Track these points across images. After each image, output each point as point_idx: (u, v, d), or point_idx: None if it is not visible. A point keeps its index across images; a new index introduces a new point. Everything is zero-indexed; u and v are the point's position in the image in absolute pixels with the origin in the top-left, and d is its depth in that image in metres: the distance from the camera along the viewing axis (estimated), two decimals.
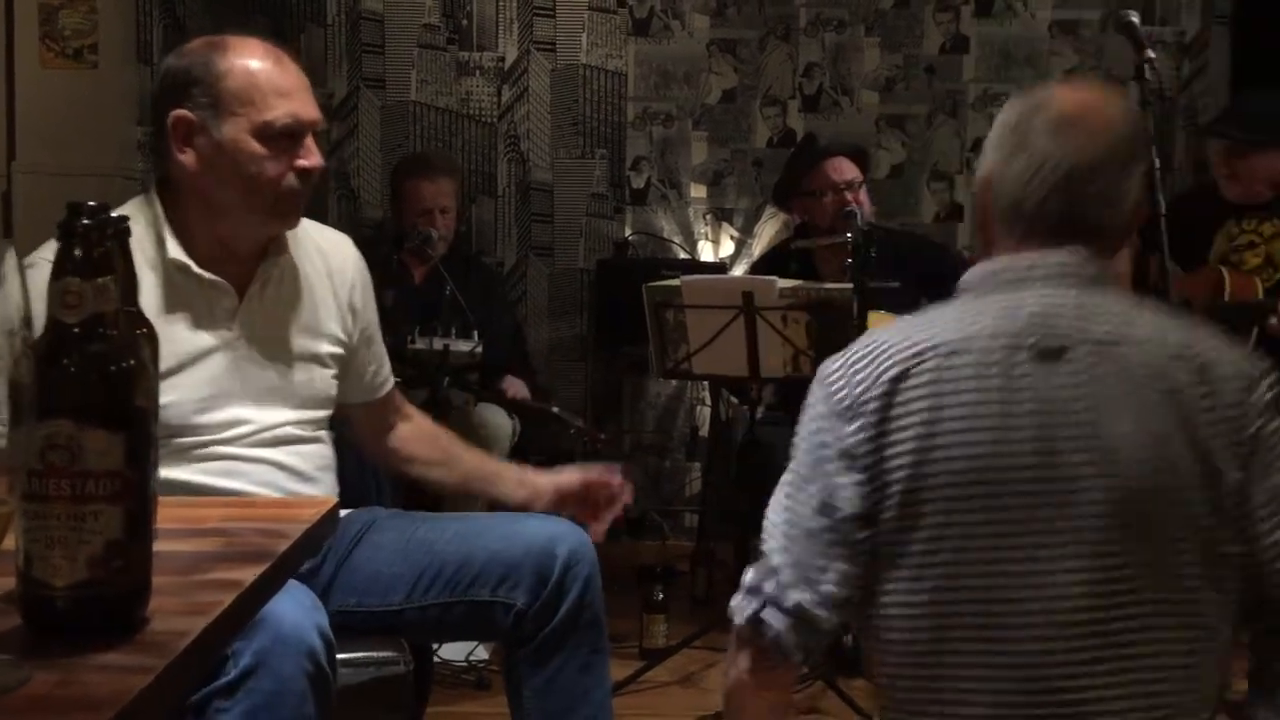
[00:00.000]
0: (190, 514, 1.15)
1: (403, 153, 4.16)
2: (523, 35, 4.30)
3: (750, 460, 3.34)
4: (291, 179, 1.72)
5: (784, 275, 3.08)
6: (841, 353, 1.33)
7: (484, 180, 4.32)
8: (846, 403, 1.27)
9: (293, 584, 1.56)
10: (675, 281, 2.93)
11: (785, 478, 1.34)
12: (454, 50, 4.29)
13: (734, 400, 3.90)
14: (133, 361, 0.81)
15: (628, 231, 4.30)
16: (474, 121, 4.31)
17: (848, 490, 1.26)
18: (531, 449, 3.57)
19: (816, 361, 2.86)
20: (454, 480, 2.12)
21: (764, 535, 1.34)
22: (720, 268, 4.19)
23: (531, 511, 1.98)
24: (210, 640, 0.80)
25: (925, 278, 3.51)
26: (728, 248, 4.30)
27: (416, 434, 2.09)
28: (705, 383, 4.05)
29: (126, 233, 1.00)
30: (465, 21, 4.29)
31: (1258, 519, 1.23)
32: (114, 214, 1.73)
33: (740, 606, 1.31)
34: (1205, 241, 3.24)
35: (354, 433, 2.07)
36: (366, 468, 2.31)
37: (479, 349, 3.30)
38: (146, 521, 0.84)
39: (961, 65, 4.34)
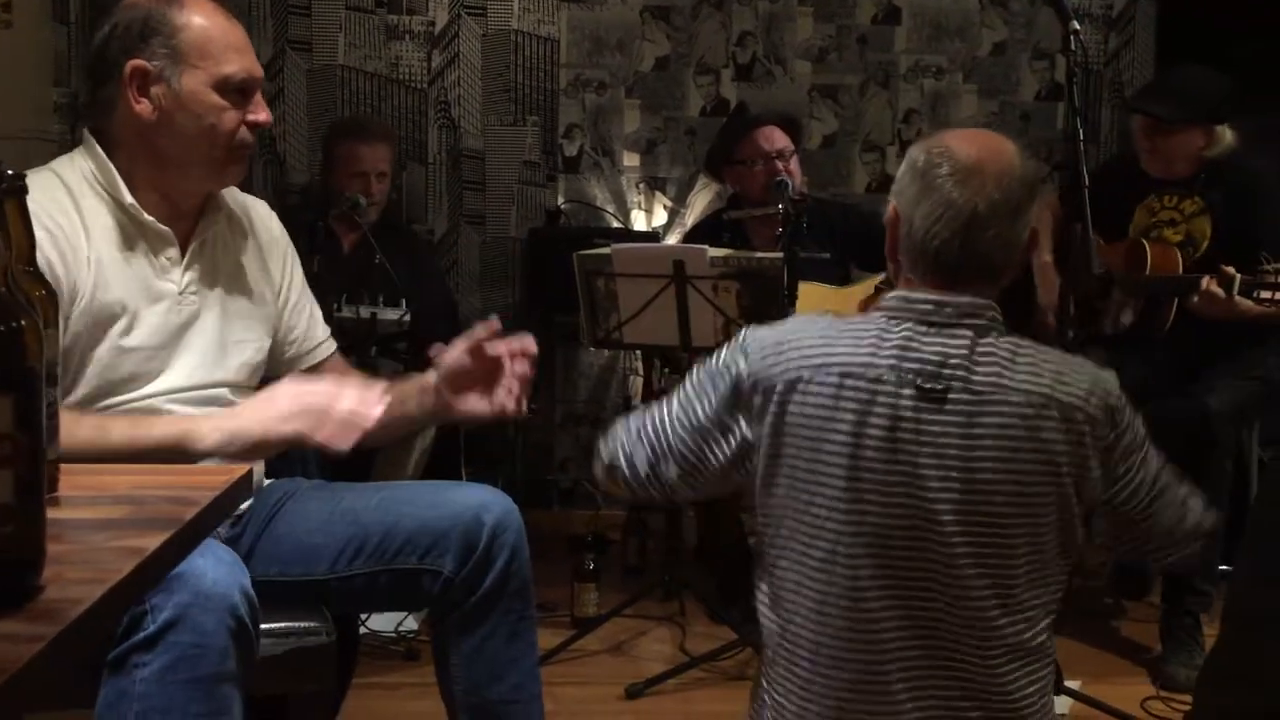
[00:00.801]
0: (98, 481, 1.13)
1: (330, 118, 4.09)
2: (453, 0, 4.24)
3: None
4: (244, 132, 1.77)
5: (717, 245, 3.08)
6: (770, 328, 1.57)
7: (414, 147, 4.26)
8: (757, 377, 1.52)
9: (215, 544, 1.55)
10: (606, 250, 2.92)
11: (679, 394, 1.62)
12: (382, 14, 4.21)
13: (666, 370, 3.90)
14: (23, 322, 0.78)
15: (560, 200, 4.27)
16: (404, 87, 4.25)
17: (729, 441, 1.56)
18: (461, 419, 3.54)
19: None
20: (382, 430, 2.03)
21: (641, 417, 1.65)
22: (654, 237, 4.18)
23: (444, 416, 1.90)
24: (107, 608, 0.78)
25: (855, 247, 3.54)
26: (661, 217, 4.29)
27: None
28: (638, 352, 4.05)
29: (22, 191, 0.97)
30: None
31: (1129, 512, 1.55)
32: (37, 170, 1.70)
33: (604, 465, 1.68)
34: (1127, 213, 3.28)
35: None
36: None
37: (407, 317, 3.27)
38: (38, 486, 0.81)
39: (893, 36, 4.36)
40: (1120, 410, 1.50)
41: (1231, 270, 2.82)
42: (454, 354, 1.83)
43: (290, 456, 2.20)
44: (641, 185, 4.32)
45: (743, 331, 1.58)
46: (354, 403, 1.64)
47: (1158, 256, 3.15)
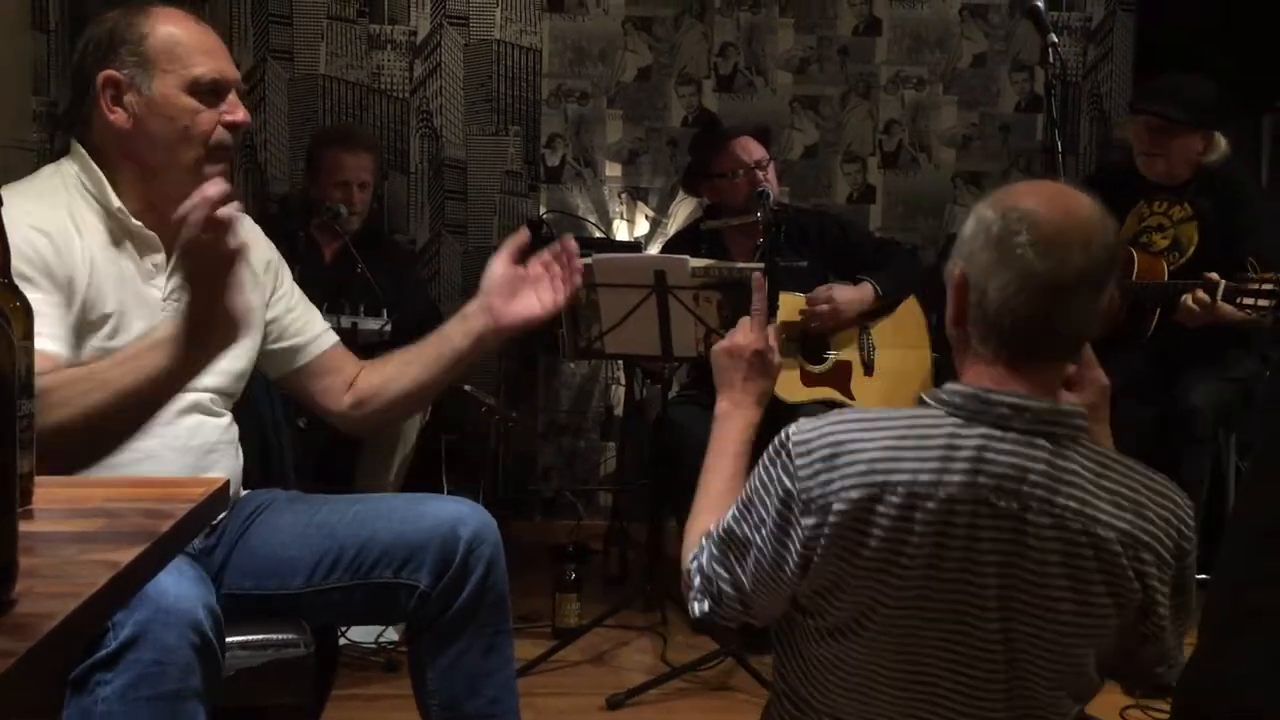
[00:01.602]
0: (73, 494, 1.12)
1: (312, 128, 4.09)
2: (435, 9, 4.24)
3: (663, 440, 3.35)
4: (221, 132, 1.78)
5: (696, 256, 3.08)
6: (818, 431, 1.36)
7: (396, 157, 4.26)
8: (807, 498, 1.34)
9: (179, 559, 1.53)
10: (587, 260, 2.91)
11: (741, 502, 1.42)
12: (364, 23, 4.22)
13: (648, 380, 3.91)
14: None
15: (542, 209, 4.27)
16: (385, 96, 4.25)
17: (790, 564, 1.36)
18: (444, 428, 3.54)
19: None
20: (426, 374, 1.97)
21: (719, 535, 1.44)
22: (635, 246, 4.19)
23: (491, 336, 1.91)
24: (80, 622, 0.77)
25: (832, 256, 3.55)
26: (643, 227, 4.30)
27: (367, 370, 2.03)
28: (620, 362, 4.05)
29: None
30: None
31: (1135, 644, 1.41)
32: (27, 179, 1.70)
33: (694, 602, 1.48)
34: (1119, 220, 3.31)
35: (314, 404, 2.02)
36: (270, 448, 2.27)
37: (388, 327, 3.26)
38: (10, 499, 0.81)
39: (874, 47, 4.38)
40: (1189, 551, 1.38)
41: (1216, 277, 2.85)
42: (499, 265, 1.90)
43: (267, 468, 2.20)
44: (623, 195, 4.32)
45: (786, 436, 1.38)
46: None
47: (1144, 264, 3.19)
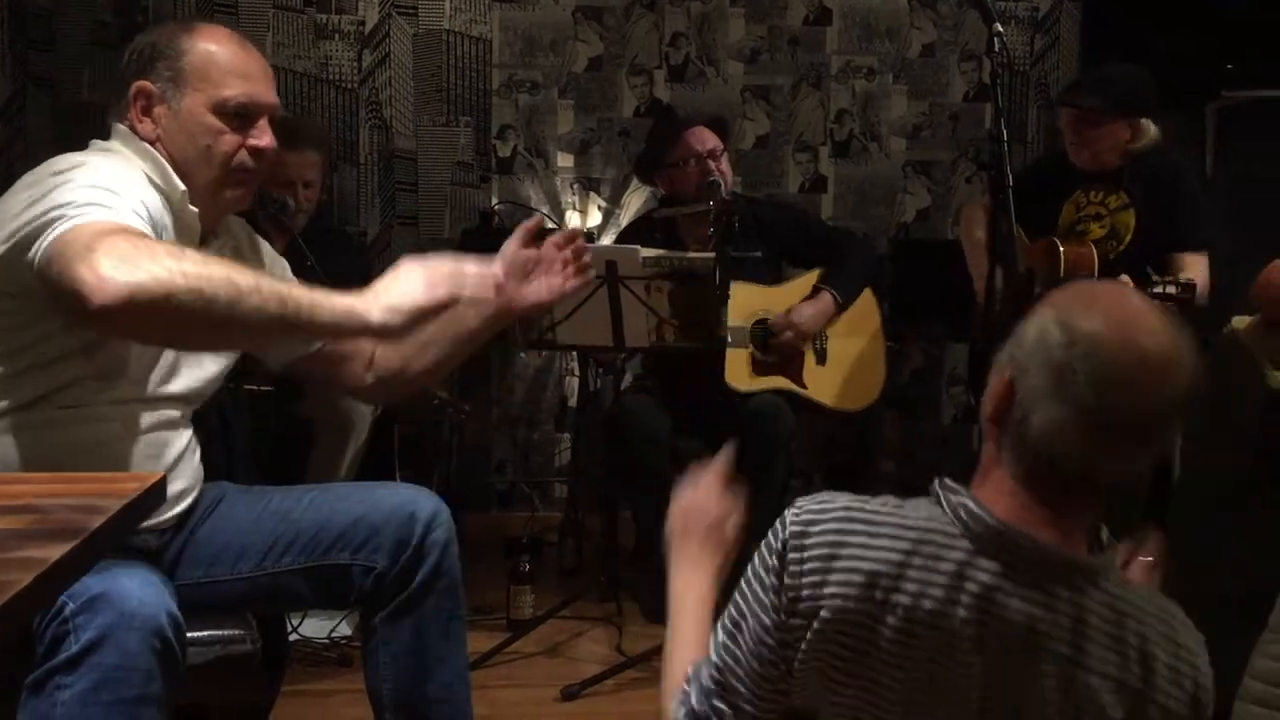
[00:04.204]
0: (1, 490, 1.10)
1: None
2: None
3: (616, 431, 3.35)
4: (244, 156, 1.78)
5: (649, 245, 3.08)
6: (817, 524, 1.25)
7: (345, 148, 4.22)
8: (797, 595, 1.24)
9: (141, 564, 1.53)
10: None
11: (732, 608, 1.32)
12: (311, 13, 4.17)
13: (600, 371, 3.90)
14: None
15: (494, 201, 4.25)
16: (334, 87, 4.20)
17: (781, 665, 1.26)
18: (397, 421, 3.51)
19: (680, 330, 2.90)
20: (443, 354, 1.98)
21: (712, 654, 1.33)
22: (589, 238, 4.17)
23: (504, 317, 1.96)
24: (7, 619, 0.76)
25: (787, 245, 3.56)
26: (595, 217, 4.29)
27: (383, 349, 2.01)
28: (574, 353, 4.04)
29: None
30: None
31: None
32: (99, 151, 1.72)
33: None
34: (1056, 208, 3.35)
35: (333, 382, 2.04)
36: (217, 446, 2.25)
37: None
38: None
39: (824, 37, 4.39)
40: (1207, 705, 1.27)
41: (1125, 279, 2.89)
42: (513, 248, 1.92)
43: (217, 464, 2.17)
44: (576, 186, 4.31)
45: (782, 527, 1.27)
46: (477, 265, 1.69)
47: (1072, 255, 3.22)
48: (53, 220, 1.48)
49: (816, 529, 1.24)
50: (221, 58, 1.76)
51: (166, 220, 1.71)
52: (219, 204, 1.83)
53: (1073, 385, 1.17)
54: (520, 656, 3.07)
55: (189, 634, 1.57)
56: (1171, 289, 2.87)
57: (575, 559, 3.84)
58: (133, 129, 1.76)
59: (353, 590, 1.87)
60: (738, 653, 1.29)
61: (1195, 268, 3.11)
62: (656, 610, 3.18)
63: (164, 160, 1.75)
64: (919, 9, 4.41)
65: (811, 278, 3.49)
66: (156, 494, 1.09)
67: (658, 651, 3.00)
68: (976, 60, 4.42)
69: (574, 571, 3.78)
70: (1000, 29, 2.59)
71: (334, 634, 3.00)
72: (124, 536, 1.02)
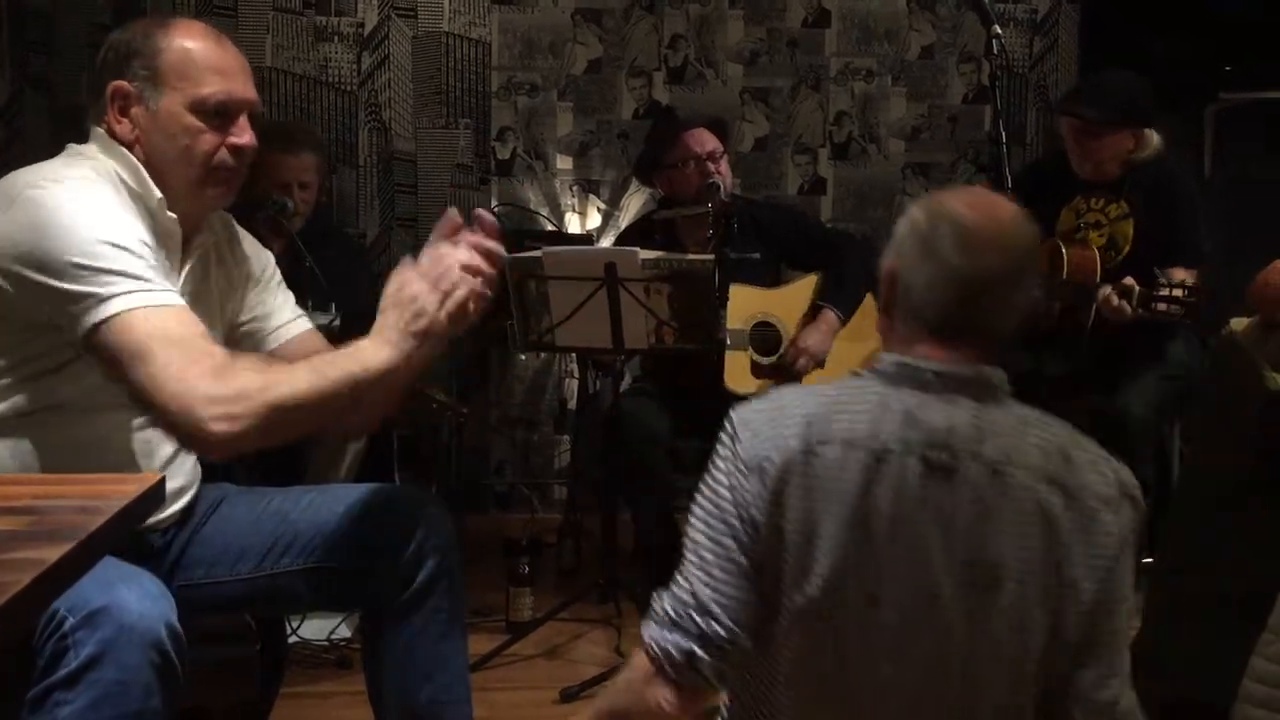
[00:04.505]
0: (0, 491, 1.10)
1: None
2: (383, 1, 4.20)
3: (615, 433, 3.35)
4: (224, 155, 1.76)
5: (649, 247, 3.08)
6: (758, 405, 1.45)
7: (344, 150, 4.22)
8: (751, 459, 1.39)
9: (140, 572, 1.54)
10: (537, 253, 2.91)
11: (700, 504, 1.43)
12: (311, 15, 4.17)
13: (599, 374, 3.90)
14: None
15: (494, 203, 4.25)
16: (333, 89, 4.21)
17: (746, 539, 1.39)
18: (395, 424, 3.51)
19: (679, 332, 2.89)
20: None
21: (685, 555, 1.42)
22: (588, 239, 4.18)
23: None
24: (5, 623, 0.76)
25: (786, 248, 3.56)
26: (595, 219, 4.29)
27: None
28: (574, 355, 4.04)
29: None
30: None
31: (1084, 655, 1.37)
32: (70, 159, 1.71)
33: (670, 641, 1.40)
34: (1054, 214, 3.34)
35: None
36: None
37: (336, 321, 3.23)
38: None
39: (823, 39, 4.40)
40: (1137, 501, 1.41)
41: (1130, 282, 2.88)
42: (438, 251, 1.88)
43: (214, 465, 2.17)
44: (575, 188, 4.31)
45: (730, 419, 1.45)
46: (466, 254, 1.67)
47: (1075, 259, 3.21)
48: (82, 298, 1.55)
49: (755, 408, 1.44)
50: (199, 55, 1.73)
51: (145, 234, 1.68)
52: (201, 203, 1.81)
53: (940, 250, 1.41)
54: (520, 658, 3.07)
55: (189, 635, 1.57)
56: (1179, 292, 2.85)
57: (574, 561, 3.83)
58: (110, 130, 1.73)
59: (352, 592, 1.87)
60: (703, 549, 1.41)
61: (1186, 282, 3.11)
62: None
63: (141, 166, 1.73)
64: (918, 11, 4.42)
65: (811, 280, 3.49)
66: (155, 495, 1.09)
67: None
68: (975, 62, 4.42)
69: (573, 573, 3.77)
70: (999, 31, 2.60)
71: (333, 636, 3.00)
72: (123, 537, 1.02)
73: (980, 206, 1.44)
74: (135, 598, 1.47)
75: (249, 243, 2.00)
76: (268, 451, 2.73)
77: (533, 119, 4.29)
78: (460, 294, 1.65)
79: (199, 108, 1.72)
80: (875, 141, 4.44)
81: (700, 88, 4.33)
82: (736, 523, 1.39)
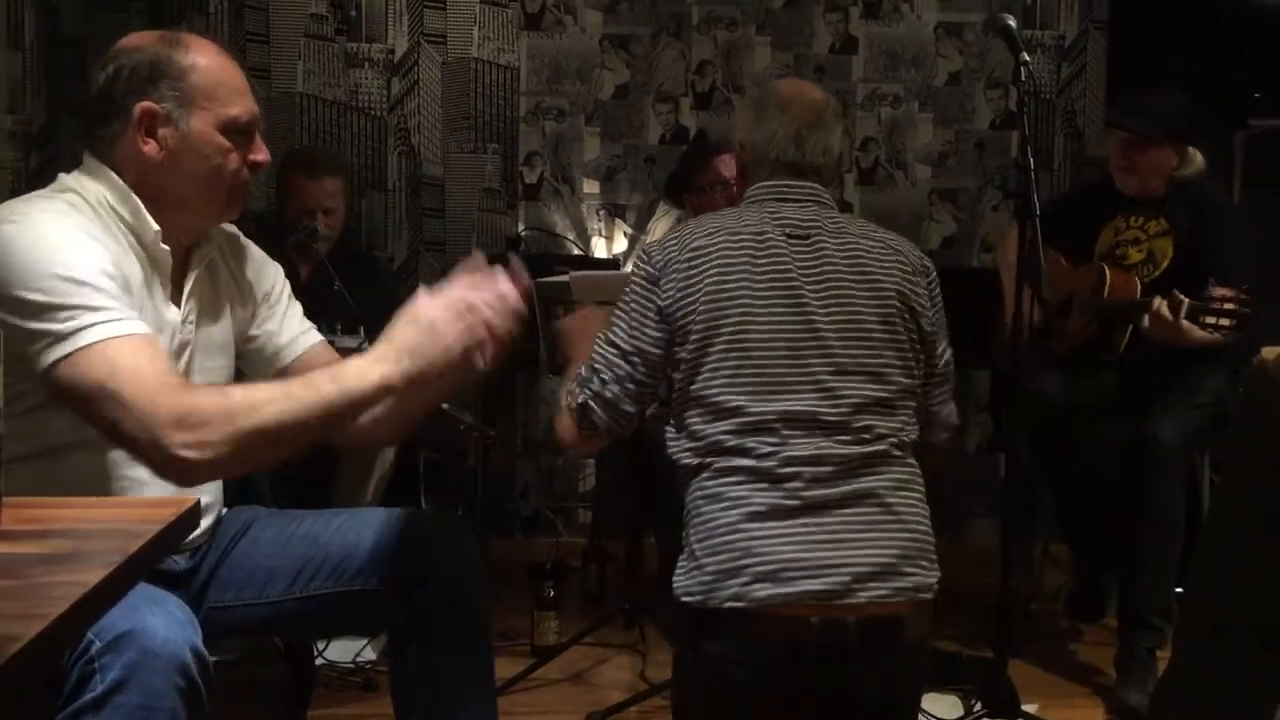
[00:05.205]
0: (40, 514, 1.11)
1: (289, 145, 4.08)
2: (413, 27, 4.25)
3: (640, 456, 3.35)
4: (245, 172, 1.79)
5: None
6: (659, 240, 2.03)
7: (374, 174, 4.26)
8: (658, 269, 1.96)
9: (166, 597, 1.53)
10: (564, 278, 2.92)
11: (617, 315, 1.99)
12: (342, 41, 4.22)
13: None
14: None
15: (520, 227, 4.28)
16: (363, 114, 4.25)
17: (655, 335, 1.95)
18: (421, 445, 3.53)
19: None
20: (407, 402, 1.86)
21: (596, 350, 2.01)
22: (614, 264, 4.19)
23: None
24: (45, 645, 0.77)
25: None
26: (621, 244, 4.31)
27: None
28: None
29: None
30: (354, 12, 4.23)
31: (931, 340, 2.03)
32: (53, 194, 1.71)
33: (573, 393, 2.02)
34: (1094, 234, 3.34)
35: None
36: None
37: (365, 344, 3.25)
38: None
39: (850, 65, 4.41)
40: (931, 269, 2.07)
41: (1180, 295, 2.86)
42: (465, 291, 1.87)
43: (244, 485, 2.19)
44: (601, 212, 4.33)
45: (643, 249, 2.01)
46: (492, 293, 1.68)
47: (1118, 280, 3.20)
48: (40, 336, 1.52)
49: (663, 241, 2.01)
50: (223, 75, 1.75)
51: (131, 268, 1.68)
52: (219, 219, 1.83)
53: (766, 111, 2.08)
54: (544, 683, 3.07)
55: (216, 657, 1.58)
56: (1230, 304, 2.79)
57: (599, 585, 3.83)
58: (136, 152, 1.71)
59: (378, 615, 1.88)
60: (619, 339, 1.98)
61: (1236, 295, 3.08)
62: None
63: (135, 198, 1.71)
64: (945, 37, 4.42)
65: None
66: (191, 518, 1.10)
67: None
68: (1003, 88, 4.42)
69: (598, 598, 3.77)
70: (1027, 57, 2.60)
71: (359, 658, 3.01)
72: (160, 561, 1.03)
73: (794, 84, 2.23)
74: (161, 622, 1.46)
75: (257, 255, 2.00)
76: (291, 474, 2.76)
77: (560, 144, 4.32)
78: (479, 334, 1.65)
79: (229, 127, 1.74)
80: (902, 167, 4.44)
81: (728, 113, 4.34)
82: (651, 328, 1.94)
